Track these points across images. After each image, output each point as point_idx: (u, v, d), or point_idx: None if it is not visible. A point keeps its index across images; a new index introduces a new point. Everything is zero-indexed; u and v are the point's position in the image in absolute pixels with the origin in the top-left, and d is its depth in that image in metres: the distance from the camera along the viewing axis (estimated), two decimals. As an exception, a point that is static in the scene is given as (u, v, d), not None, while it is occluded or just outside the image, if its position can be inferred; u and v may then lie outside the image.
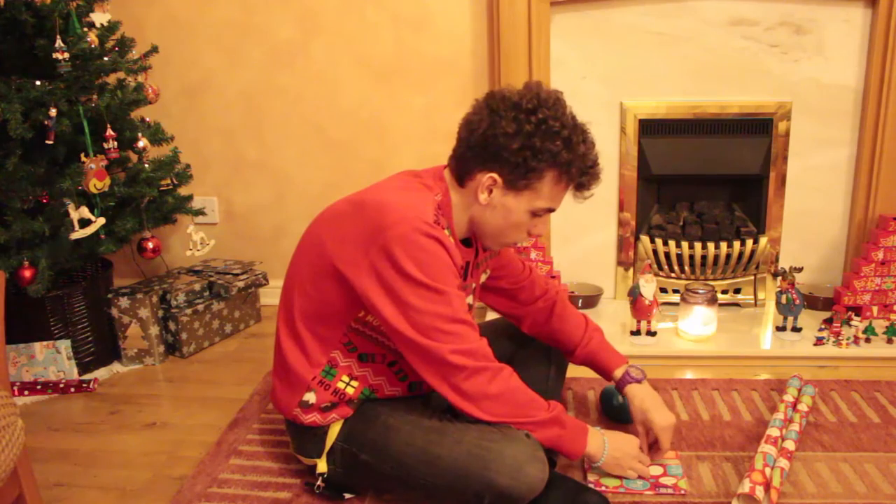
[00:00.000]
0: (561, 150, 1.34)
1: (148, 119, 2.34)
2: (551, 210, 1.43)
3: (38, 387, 2.10)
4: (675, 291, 2.47)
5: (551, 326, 1.69)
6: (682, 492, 1.52)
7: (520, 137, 1.32)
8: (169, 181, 2.35)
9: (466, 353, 1.32)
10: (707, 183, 2.54)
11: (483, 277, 1.64)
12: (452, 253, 1.35)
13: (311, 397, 1.45)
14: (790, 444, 1.60)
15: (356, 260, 1.33)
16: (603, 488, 1.52)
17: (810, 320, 2.29)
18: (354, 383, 1.46)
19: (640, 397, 1.59)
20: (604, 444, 1.48)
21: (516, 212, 1.40)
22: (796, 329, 2.23)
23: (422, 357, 1.33)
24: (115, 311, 2.26)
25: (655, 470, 1.57)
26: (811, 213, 2.45)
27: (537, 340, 1.74)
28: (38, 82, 1.92)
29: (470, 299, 1.56)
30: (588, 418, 1.84)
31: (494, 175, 1.36)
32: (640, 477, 1.54)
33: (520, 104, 1.34)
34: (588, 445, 1.44)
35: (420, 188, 1.40)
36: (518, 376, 1.39)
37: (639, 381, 1.61)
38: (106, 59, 2.10)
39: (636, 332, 2.25)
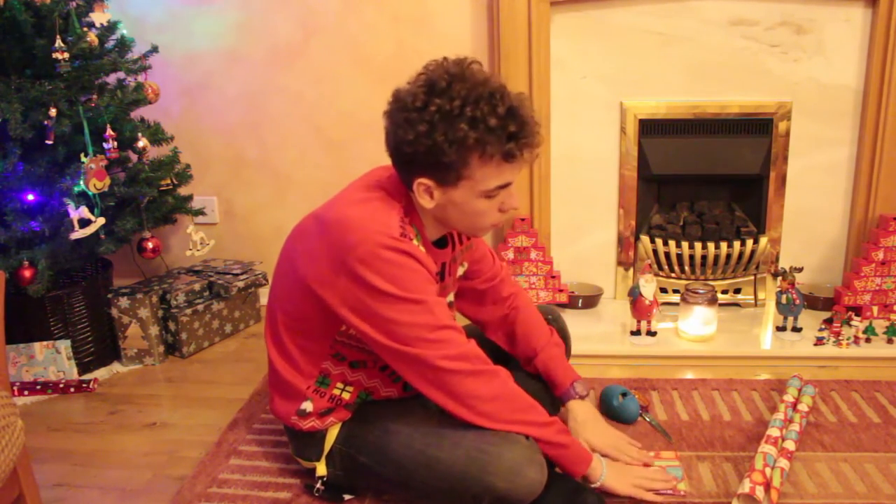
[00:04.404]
0: (467, 132, 1.22)
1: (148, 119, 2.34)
2: (504, 185, 1.31)
3: (38, 387, 2.10)
4: (675, 291, 2.47)
5: (515, 334, 1.65)
6: (682, 493, 1.52)
7: (421, 140, 1.24)
8: (169, 181, 2.35)
9: (458, 357, 1.29)
10: (707, 183, 2.54)
11: (460, 271, 1.60)
12: (424, 262, 1.31)
13: (308, 406, 1.45)
14: (790, 445, 1.60)
15: (329, 281, 1.29)
16: (603, 489, 1.52)
17: (810, 320, 2.28)
18: (350, 388, 1.46)
19: (582, 414, 1.55)
20: (601, 463, 1.42)
21: (467, 202, 1.31)
22: (796, 329, 2.23)
23: (412, 367, 1.30)
24: (115, 311, 2.26)
25: (655, 470, 1.57)
26: (811, 213, 2.45)
27: None
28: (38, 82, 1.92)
29: (451, 297, 1.55)
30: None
31: (423, 180, 1.29)
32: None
33: (406, 104, 1.25)
34: (590, 466, 1.40)
35: (382, 198, 1.35)
36: (513, 379, 1.37)
37: (581, 398, 1.58)
38: (106, 59, 2.10)
39: (636, 332, 2.25)
